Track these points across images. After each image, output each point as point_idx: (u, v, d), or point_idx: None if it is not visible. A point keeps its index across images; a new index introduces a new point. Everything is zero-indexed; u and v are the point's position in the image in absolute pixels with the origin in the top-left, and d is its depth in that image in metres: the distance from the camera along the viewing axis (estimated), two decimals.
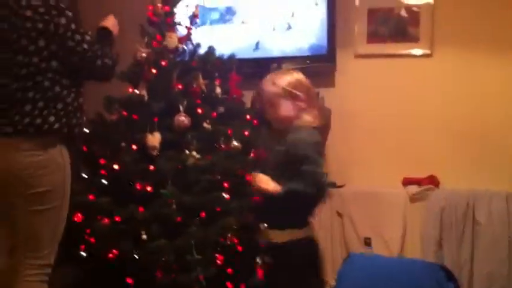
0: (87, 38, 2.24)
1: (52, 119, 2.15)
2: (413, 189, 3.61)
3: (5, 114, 2.12)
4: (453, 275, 2.25)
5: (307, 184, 2.39)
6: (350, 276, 1.93)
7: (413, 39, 3.78)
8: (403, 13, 3.79)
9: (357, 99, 3.81)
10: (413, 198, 3.61)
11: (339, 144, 3.76)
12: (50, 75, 2.15)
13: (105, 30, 2.46)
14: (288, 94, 2.43)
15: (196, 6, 3.15)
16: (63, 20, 2.16)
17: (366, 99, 3.80)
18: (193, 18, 3.12)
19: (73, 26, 2.19)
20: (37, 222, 2.16)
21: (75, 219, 2.46)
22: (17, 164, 2.11)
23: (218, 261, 2.53)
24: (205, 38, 3.31)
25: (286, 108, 2.42)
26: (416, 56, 3.78)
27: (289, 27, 3.73)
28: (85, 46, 2.23)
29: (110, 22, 2.49)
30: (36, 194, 2.13)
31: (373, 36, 3.82)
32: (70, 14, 2.20)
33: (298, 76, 2.57)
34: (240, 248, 2.60)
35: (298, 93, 2.43)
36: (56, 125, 2.16)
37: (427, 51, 3.76)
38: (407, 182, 3.65)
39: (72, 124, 2.24)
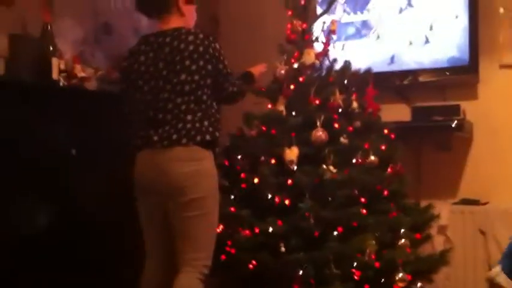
0: (227, 63, 2.48)
1: (205, 129, 2.33)
2: None
3: (169, 125, 2.31)
4: None
5: None
6: None
7: None
8: None
9: (503, 112, 3.60)
10: None
11: (483, 159, 3.58)
12: (206, 90, 2.37)
13: (250, 74, 2.69)
14: None
15: (334, 22, 3.18)
16: (217, 45, 2.42)
17: None
18: (330, 34, 3.15)
19: (222, 51, 2.43)
20: (194, 227, 2.31)
21: (217, 230, 2.57)
22: (174, 174, 2.29)
23: (355, 277, 2.52)
24: (340, 52, 3.35)
25: None
26: None
27: (427, 41, 3.64)
28: (228, 70, 2.46)
29: (258, 70, 2.74)
30: (192, 201, 2.29)
31: None
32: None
33: None
34: (377, 264, 2.57)
35: None
36: (208, 136, 2.33)
37: None
38: None
39: (217, 136, 2.39)
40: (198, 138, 2.30)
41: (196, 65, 2.32)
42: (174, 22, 2.41)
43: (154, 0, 2.44)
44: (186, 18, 2.46)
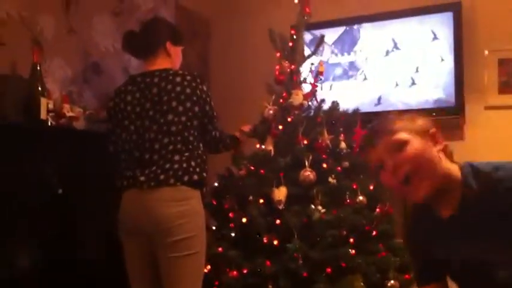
0: (213, 105, 2.49)
1: (192, 169, 2.32)
2: None
3: (156, 165, 2.30)
4: None
5: None
6: None
7: None
8: None
9: (489, 153, 3.62)
10: None
11: None
12: (192, 131, 2.37)
13: (235, 138, 2.73)
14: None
15: (322, 63, 3.23)
16: (205, 87, 2.42)
17: (498, 152, 3.60)
18: (318, 75, 3.19)
19: (209, 93, 2.44)
20: (180, 268, 2.29)
21: (205, 271, 2.54)
22: (162, 214, 2.27)
23: None
24: (328, 93, 3.39)
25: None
26: None
27: (413, 83, 3.70)
28: (214, 113, 2.48)
29: (243, 131, 2.80)
30: (180, 241, 2.27)
31: (505, 87, 3.67)
32: (205, 83, 2.47)
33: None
34: None
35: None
36: (195, 176, 2.32)
37: None
38: None
39: (205, 176, 2.38)
40: (186, 178, 2.30)
41: (183, 107, 2.32)
42: (160, 63, 2.43)
43: (141, 42, 2.47)
44: (173, 59, 2.49)
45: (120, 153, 2.40)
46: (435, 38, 3.67)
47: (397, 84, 3.73)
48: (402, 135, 1.45)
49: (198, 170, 2.33)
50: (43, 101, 2.58)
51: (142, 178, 2.29)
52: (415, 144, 1.44)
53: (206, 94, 2.40)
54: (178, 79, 2.34)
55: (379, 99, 3.76)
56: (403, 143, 1.44)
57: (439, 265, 1.56)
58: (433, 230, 1.54)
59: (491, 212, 1.38)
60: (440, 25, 3.67)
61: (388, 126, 1.49)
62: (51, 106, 2.65)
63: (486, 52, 3.71)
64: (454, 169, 1.48)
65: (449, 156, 1.53)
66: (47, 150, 2.64)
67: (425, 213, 1.52)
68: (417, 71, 3.70)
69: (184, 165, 2.30)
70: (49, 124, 2.64)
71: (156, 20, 2.61)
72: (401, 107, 3.71)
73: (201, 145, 2.41)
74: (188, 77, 2.36)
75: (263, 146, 3.01)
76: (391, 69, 3.76)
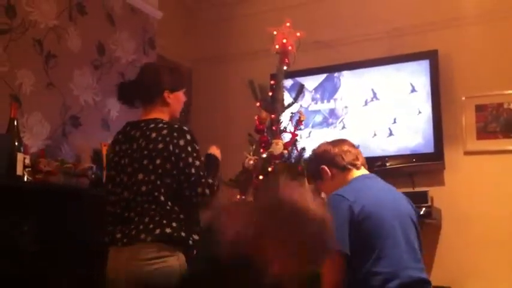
0: (197, 163, 2.24)
1: (166, 222, 2.19)
2: None
3: (132, 222, 2.22)
4: None
5: None
6: None
7: None
8: None
9: (469, 198, 3.64)
10: None
11: (451, 247, 3.58)
12: (163, 190, 2.22)
13: (212, 156, 2.52)
14: None
15: (302, 113, 3.24)
16: (181, 142, 2.24)
17: (478, 197, 3.62)
18: (298, 124, 3.20)
19: (189, 148, 2.26)
20: None
21: None
22: (136, 273, 2.18)
23: None
24: (307, 140, 3.40)
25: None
26: None
27: (391, 134, 3.74)
28: (192, 170, 2.22)
29: (215, 151, 2.56)
30: None
31: (483, 132, 3.71)
32: (189, 137, 2.25)
33: None
34: None
35: None
36: (168, 229, 2.18)
37: None
38: None
39: (183, 236, 2.26)
40: (157, 231, 2.16)
41: (153, 165, 2.20)
42: (155, 112, 2.33)
43: (138, 91, 2.36)
44: (172, 106, 2.37)
45: (108, 204, 2.33)
46: (413, 90, 3.73)
47: (375, 134, 3.76)
48: None
49: (173, 224, 2.19)
50: (19, 156, 2.56)
51: (118, 235, 2.23)
52: None
53: (183, 150, 2.21)
54: (153, 135, 2.22)
55: (358, 146, 3.77)
56: None
57: None
58: None
59: None
60: (418, 73, 3.73)
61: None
62: (27, 161, 2.62)
63: (463, 98, 3.76)
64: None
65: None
66: (22, 206, 2.60)
67: None
68: (395, 122, 3.74)
69: (157, 218, 2.19)
70: (25, 180, 2.60)
71: (153, 69, 2.46)
72: (380, 153, 3.74)
73: (175, 206, 2.22)
74: (164, 131, 2.22)
75: (243, 197, 2.99)
76: (369, 119, 3.79)
